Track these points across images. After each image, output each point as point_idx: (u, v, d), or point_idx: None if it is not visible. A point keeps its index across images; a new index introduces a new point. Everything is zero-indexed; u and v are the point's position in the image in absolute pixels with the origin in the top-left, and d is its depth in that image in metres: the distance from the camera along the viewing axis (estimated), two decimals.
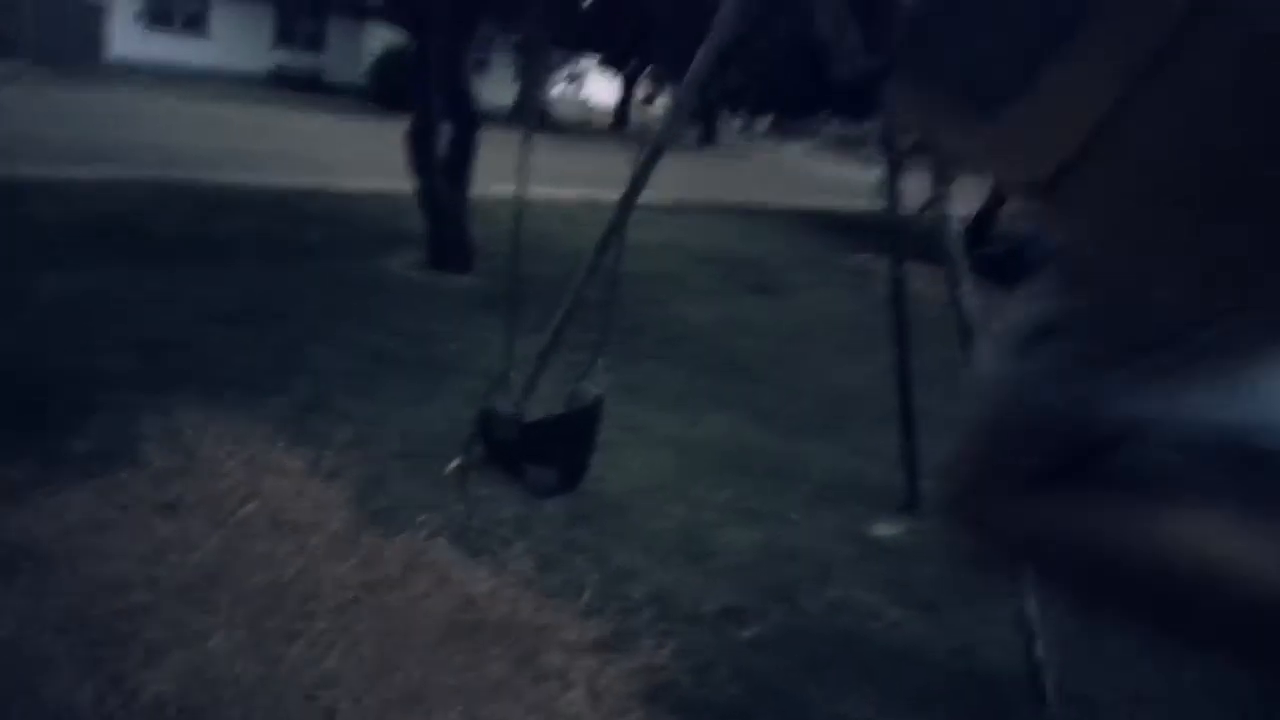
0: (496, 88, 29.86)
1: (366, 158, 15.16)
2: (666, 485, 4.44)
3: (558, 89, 38.08)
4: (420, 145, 8.27)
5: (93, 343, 5.07)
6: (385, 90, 26.32)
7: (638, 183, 4.38)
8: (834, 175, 30.16)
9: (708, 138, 35.38)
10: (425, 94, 8.37)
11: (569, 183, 13.98)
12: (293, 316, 6.20)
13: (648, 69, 35.78)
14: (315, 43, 30.31)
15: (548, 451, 3.28)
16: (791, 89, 23.18)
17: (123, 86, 21.83)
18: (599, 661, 3.00)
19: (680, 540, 3.91)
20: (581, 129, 32.20)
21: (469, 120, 8.43)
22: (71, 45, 25.88)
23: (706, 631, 3.28)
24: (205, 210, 9.23)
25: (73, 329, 5.22)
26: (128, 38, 26.72)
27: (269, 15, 29.17)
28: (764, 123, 46.55)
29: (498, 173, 11.89)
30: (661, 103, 42.18)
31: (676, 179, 13.71)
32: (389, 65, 26.77)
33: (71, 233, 7.49)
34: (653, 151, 4.17)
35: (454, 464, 4.20)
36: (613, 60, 35.85)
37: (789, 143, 45.69)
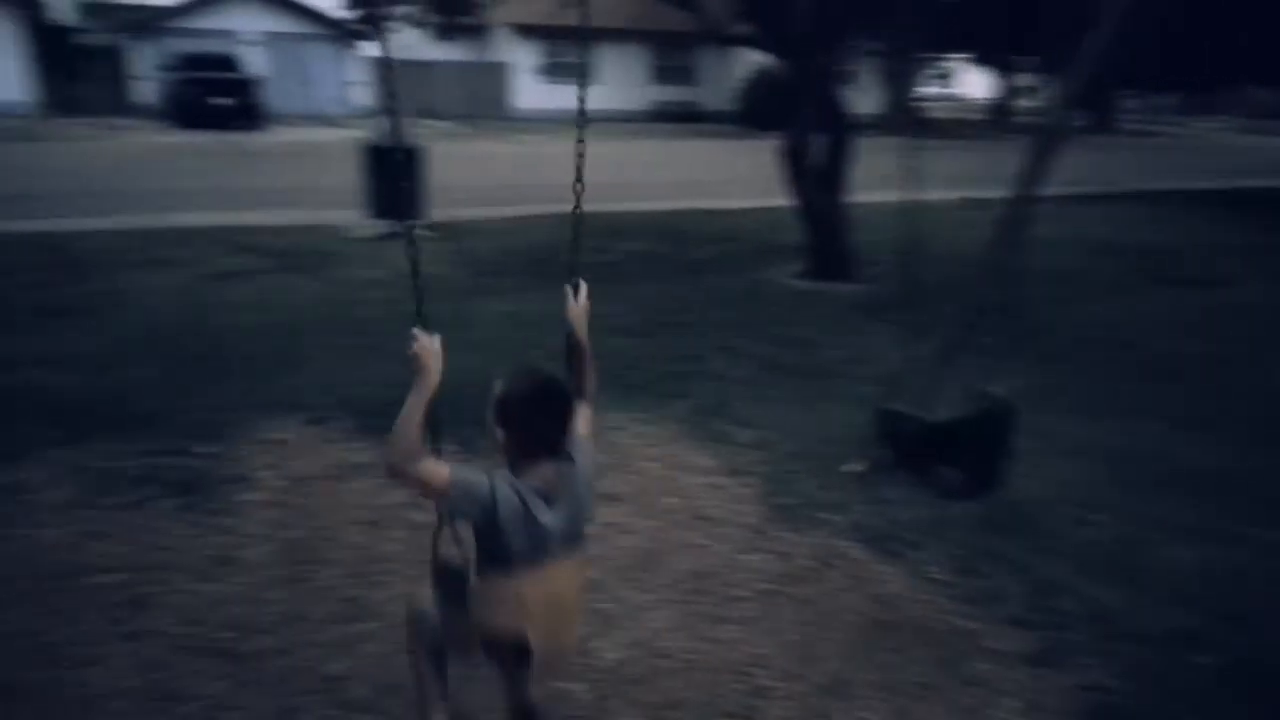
0: (865, 95, 29.60)
1: (742, 177, 15.75)
2: (1089, 496, 4.11)
3: (929, 89, 36.84)
4: (795, 159, 8.45)
5: (529, 356, 5.76)
6: (755, 113, 27.14)
7: (1033, 176, 4.14)
8: (1256, 151, 26.18)
9: (1104, 122, 32.30)
10: (797, 110, 8.55)
11: (949, 184, 13.49)
12: (687, 328, 6.60)
13: (1026, 59, 33.50)
14: (688, 76, 32.08)
15: (956, 453, 3.19)
16: (1199, 58, 20.49)
17: (526, 135, 24.60)
18: (1032, 675, 2.86)
19: (1112, 555, 3.61)
20: (957, 128, 30.93)
21: (842, 130, 8.47)
22: (482, 102, 29.67)
23: (1155, 654, 2.99)
24: (605, 236, 10.11)
25: (508, 346, 5.97)
26: (528, 91, 30.09)
27: (646, 56, 31.37)
28: (1168, 100, 41.58)
29: (872, 179, 11.79)
30: (1044, 93, 39.28)
31: (1073, 168, 12.69)
32: (757, 89, 27.58)
33: (501, 263, 8.58)
34: (1046, 142, 3.92)
35: (852, 464, 4.23)
36: (986, 55, 34.04)
37: (1198, 119, 40.41)
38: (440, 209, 10.14)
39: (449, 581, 2.18)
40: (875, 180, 12.08)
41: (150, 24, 26.55)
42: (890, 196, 12.18)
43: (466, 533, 2.06)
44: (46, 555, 3.26)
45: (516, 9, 29.25)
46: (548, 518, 1.98)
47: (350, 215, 9.94)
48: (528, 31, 29.17)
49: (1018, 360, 3.20)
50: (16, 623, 2.87)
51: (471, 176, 14.96)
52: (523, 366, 2.31)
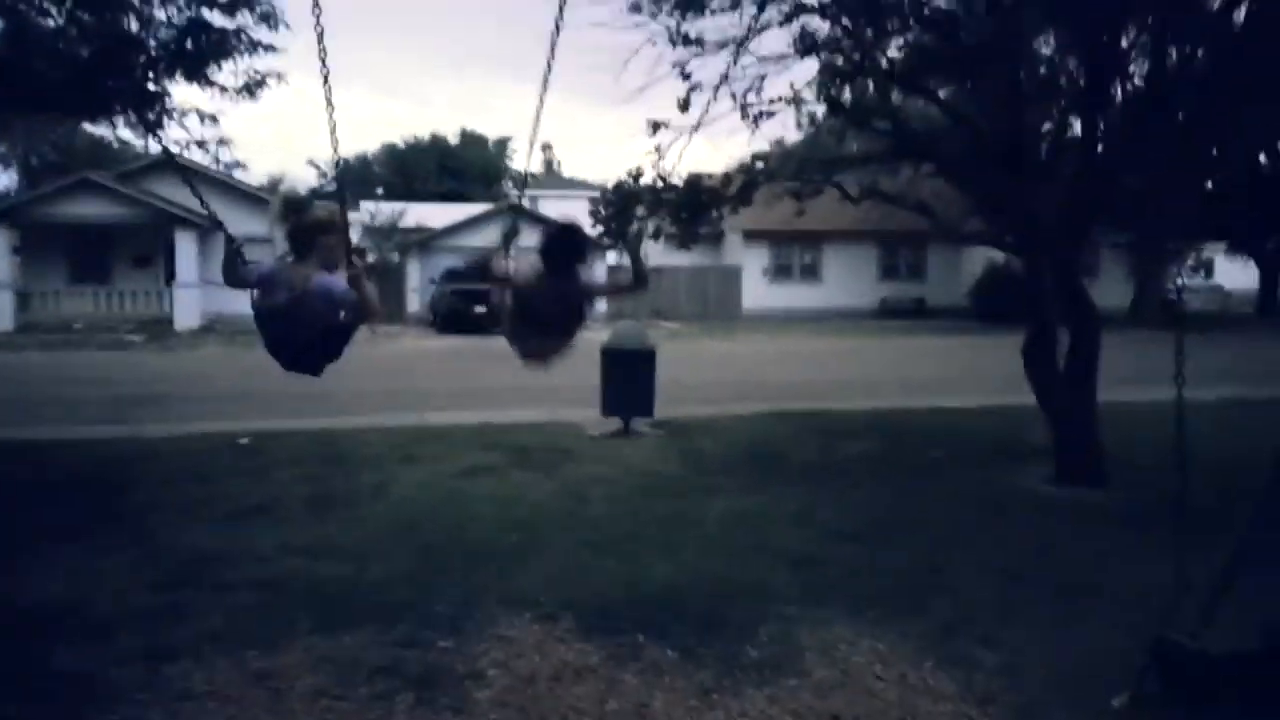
0: (1108, 288, 28.32)
1: (974, 374, 15.27)
2: None
3: (1183, 279, 34.77)
4: (1039, 356, 8.11)
5: (752, 558, 5.69)
6: (986, 308, 26.61)
7: None
8: None
9: None
10: (1039, 305, 8.28)
11: (1208, 381, 12.43)
12: (920, 534, 6.29)
13: None
14: (917, 272, 32.12)
15: (1243, 691, 2.78)
16: None
17: (754, 333, 25.25)
18: None
19: None
20: (1217, 320, 28.75)
21: (1089, 326, 8.08)
22: (712, 303, 30.90)
23: None
24: (831, 435, 10.01)
25: (736, 546, 5.92)
26: (756, 291, 31.12)
27: (874, 254, 31.81)
28: None
29: (1120, 377, 11.09)
30: None
31: None
32: (990, 284, 27.15)
33: (726, 461, 8.65)
34: None
35: (1120, 698, 3.77)
36: (1246, 242, 31.87)
37: None
38: (666, 406, 10.47)
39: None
40: (1125, 378, 11.40)
41: (426, 243, 30.07)
42: (1142, 396, 11.40)
43: None
44: None
45: (747, 216, 30.79)
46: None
47: (587, 413, 10.45)
48: (757, 236, 30.49)
49: None
50: None
51: (698, 375, 15.42)
52: None
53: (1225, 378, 13.33)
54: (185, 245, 25.41)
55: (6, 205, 26.22)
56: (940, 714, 3.71)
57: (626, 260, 4.79)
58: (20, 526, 6.22)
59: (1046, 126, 9.06)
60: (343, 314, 3.80)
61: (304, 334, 3.76)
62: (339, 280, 3.73)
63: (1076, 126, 8.62)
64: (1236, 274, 36.65)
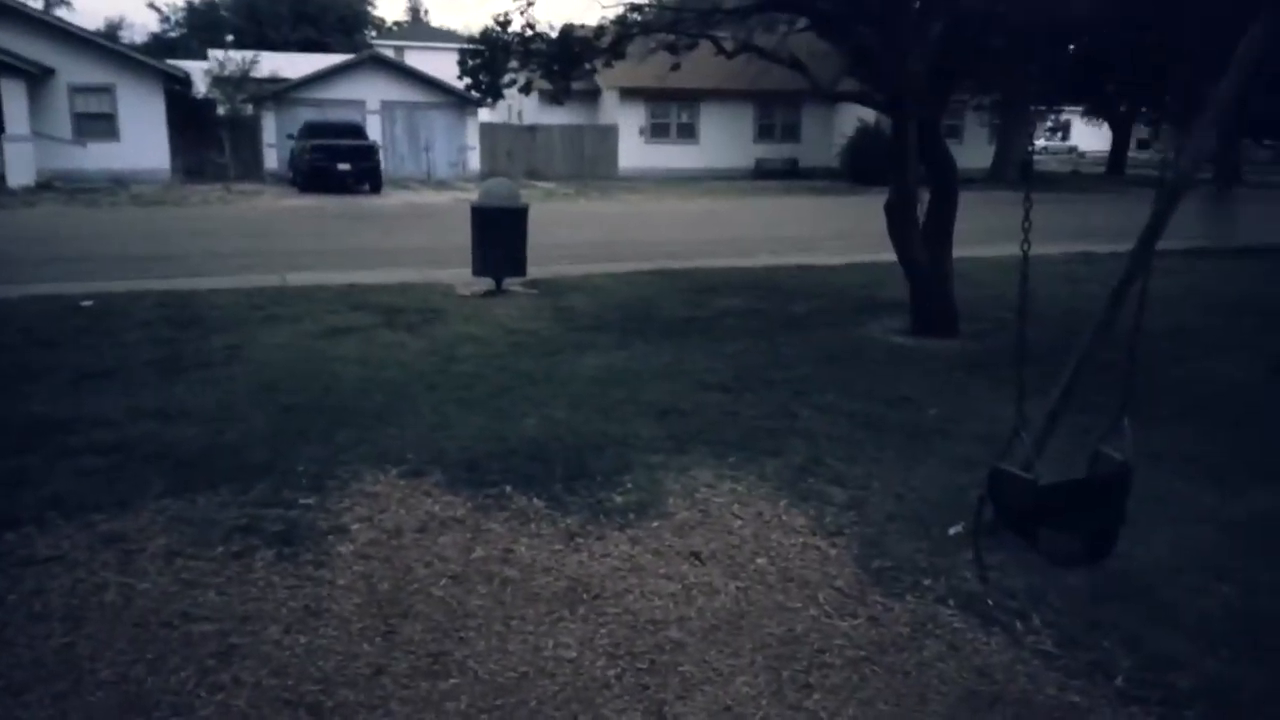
0: (971, 150, 29.13)
1: (843, 233, 15.63)
2: (1207, 565, 3.84)
3: (1040, 142, 36.00)
4: (900, 214, 8.32)
5: (620, 411, 5.77)
6: (857, 168, 27.05)
7: (1154, 229, 3.97)
8: None
9: (1229, 175, 30.87)
10: (903, 165, 8.43)
11: (1059, 238, 13.09)
12: (782, 384, 6.50)
13: (1143, 110, 32.43)
14: (791, 133, 32.22)
15: (1069, 519, 3.01)
16: None
17: (630, 194, 25.02)
18: None
19: (1233, 628, 3.34)
20: (1071, 181, 30.05)
21: (949, 183, 8.32)
22: (588, 163, 30.38)
23: None
24: (702, 292, 10.13)
25: (605, 399, 5.99)
26: (633, 151, 30.70)
27: (749, 114, 31.67)
28: None
29: (978, 234, 11.53)
30: (1161, 145, 37.85)
31: (1194, 222, 12.15)
32: (860, 145, 27.52)
33: (597, 318, 8.66)
34: (1169, 195, 3.76)
35: (957, 528, 4.06)
36: (1101, 106, 33.12)
37: None
38: (539, 266, 10.35)
39: None
40: (981, 235, 11.87)
41: (282, 95, 28.21)
42: (996, 252, 11.87)
43: None
44: (143, 604, 3.37)
45: (623, 73, 30.01)
46: None
47: (458, 274, 10.23)
48: (633, 95, 29.83)
49: (1131, 421, 3.02)
50: (111, 670, 2.97)
51: (572, 234, 15.25)
52: None
53: (1074, 234, 14.04)
54: (13, 94, 23.04)
55: None
56: (792, 546, 3.91)
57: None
58: None
59: None
60: None
61: None
62: None
63: None
64: (1091, 137, 38.18)
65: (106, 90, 25.21)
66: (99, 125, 25.16)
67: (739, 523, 4.14)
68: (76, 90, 24.89)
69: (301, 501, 4.24)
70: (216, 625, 3.21)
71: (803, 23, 10.36)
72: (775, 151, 31.81)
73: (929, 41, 8.20)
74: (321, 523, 4.04)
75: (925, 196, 8.37)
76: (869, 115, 25.36)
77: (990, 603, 3.45)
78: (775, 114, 31.79)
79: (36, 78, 23.73)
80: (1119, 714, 2.83)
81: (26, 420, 5.38)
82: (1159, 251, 3.90)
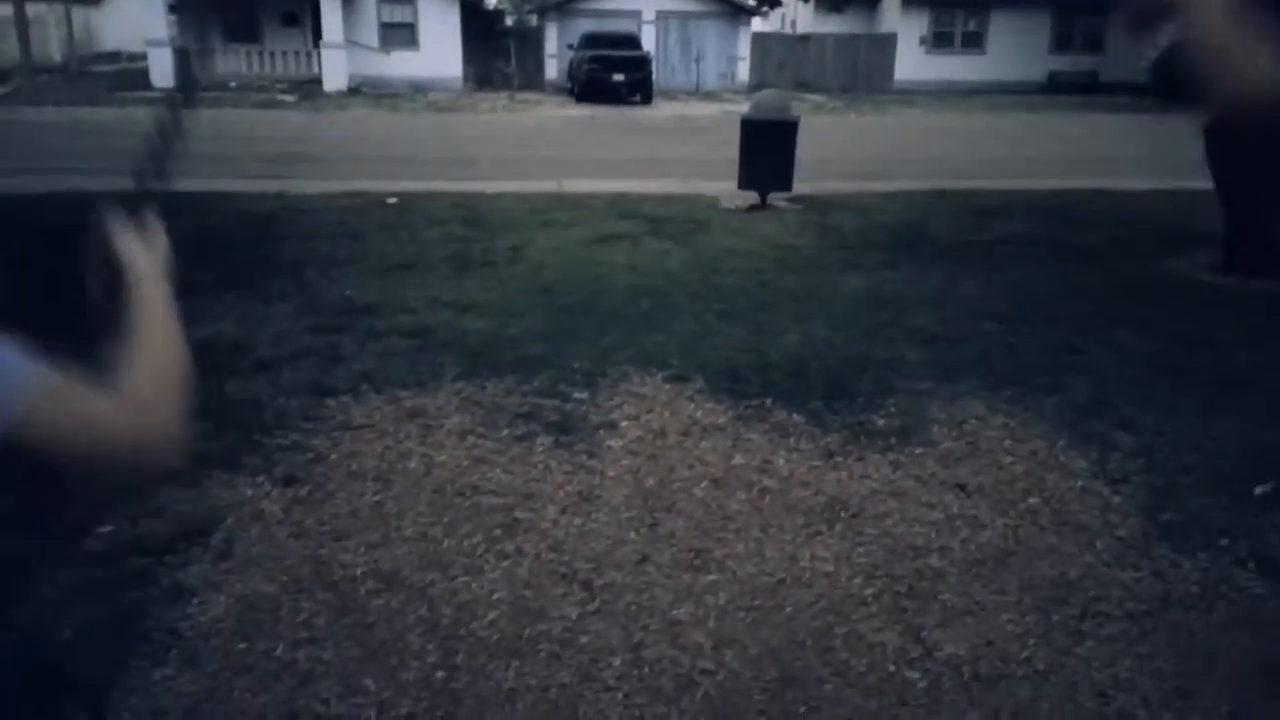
0: None
1: (1148, 155, 14.10)
2: None
3: None
4: (1220, 135, 7.36)
5: (885, 334, 5.62)
6: (1168, 85, 24.12)
7: None
8: None
9: None
10: (1224, 80, 7.42)
11: None
12: (1065, 318, 6.04)
13: None
14: (1093, 44, 29.16)
15: None
16: None
17: (908, 108, 23.82)
18: None
19: None
20: None
21: None
22: (863, 75, 29.14)
23: None
24: (979, 215, 9.55)
25: (869, 321, 5.85)
26: (911, 62, 29.06)
27: (1045, 24, 28.97)
28: None
29: None
30: None
31: None
32: (1173, 59, 24.43)
33: (864, 238, 8.42)
34: None
35: (1264, 487, 3.66)
36: None
37: None
38: (806, 182, 10.15)
39: None
40: None
41: (564, 6, 29.09)
42: None
43: None
44: (442, 474, 3.74)
45: None
46: None
47: (724, 187, 10.26)
48: (915, 2, 28.13)
49: None
50: (413, 529, 3.33)
51: (842, 150, 14.80)
52: None
53: None
54: (330, 5, 25.34)
55: None
56: (1070, 489, 3.69)
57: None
58: (188, 273, 6.70)
59: None
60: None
61: None
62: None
63: None
64: None
65: (410, 2, 27.06)
66: (401, 35, 27.16)
67: (1010, 459, 3.95)
68: (384, 1, 26.90)
69: (575, 396, 4.50)
70: (502, 500, 3.51)
71: None
72: (1073, 64, 28.98)
73: None
74: (593, 417, 4.28)
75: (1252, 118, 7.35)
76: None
77: None
78: (1076, 22, 28.84)
79: None
80: None
81: (341, 303, 6.03)
82: None
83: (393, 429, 4.15)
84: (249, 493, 3.55)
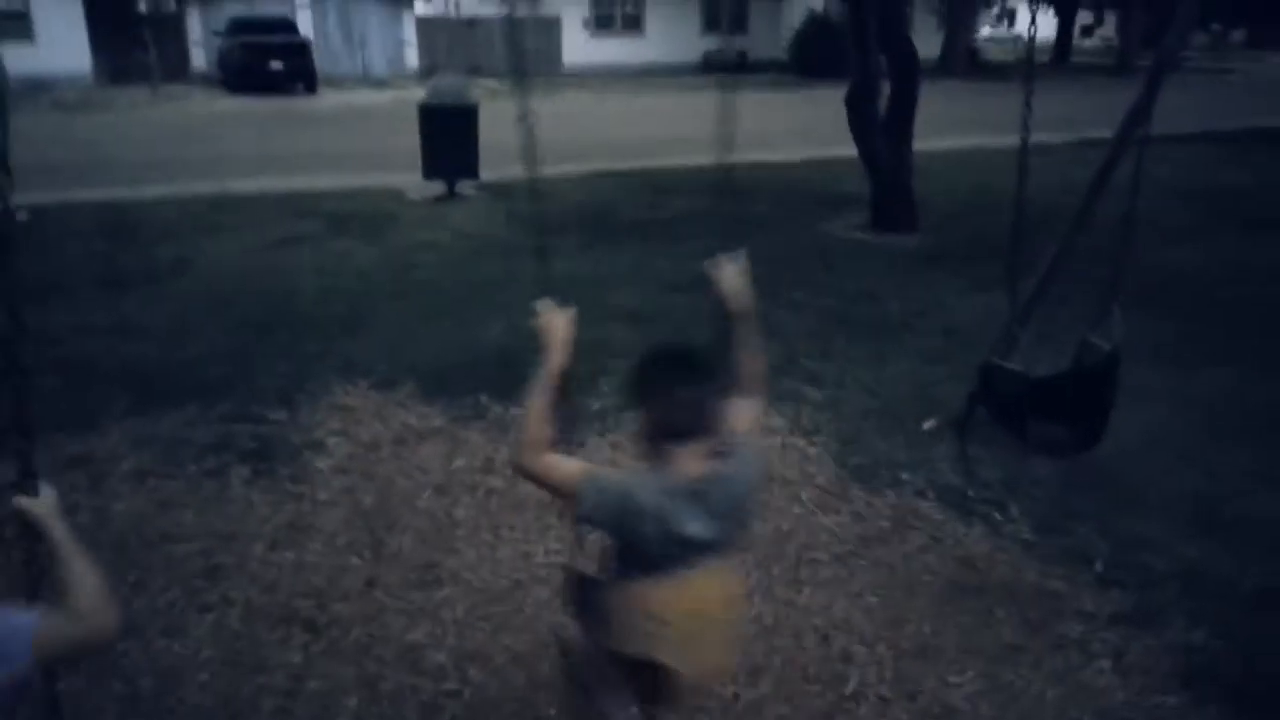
0: (919, 38, 28.77)
1: (795, 128, 15.44)
2: (1169, 448, 3.96)
3: (986, 29, 35.63)
4: (861, 105, 8.19)
5: (588, 315, 5.69)
6: (807, 61, 26.59)
7: (1138, 113, 3.94)
8: None
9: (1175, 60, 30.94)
10: (861, 54, 8.27)
11: (1010, 130, 13.06)
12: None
13: None
14: (739, 25, 31.41)
15: (1061, 409, 3.05)
16: None
17: (577, 91, 24.36)
18: (1122, 635, 2.76)
19: (1197, 509, 3.47)
20: (1018, 70, 29.92)
21: (911, 73, 8.17)
22: (531, 58, 29.42)
23: (1248, 612, 2.87)
24: (657, 193, 9.98)
25: (571, 304, 5.90)
26: (577, 47, 29.77)
27: (696, 6, 30.80)
28: (1236, 35, 39.83)
29: (929, 127, 11.46)
30: (1101, 33, 37.81)
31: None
32: (809, 36, 27.01)
33: (558, 222, 8.49)
34: (1153, 77, 3.72)
35: (930, 423, 4.12)
36: None
37: (1270, 54, 38.59)
38: (491, 169, 10.07)
39: (586, 599, 1.89)
40: (935, 127, 11.79)
41: None
42: (950, 144, 11.79)
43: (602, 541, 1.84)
44: (121, 525, 3.29)
45: None
46: (695, 527, 1.70)
47: (407, 178, 9.92)
48: None
49: (1095, 310, 3.05)
50: None
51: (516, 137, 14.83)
52: (665, 342, 2.01)
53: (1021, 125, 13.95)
54: None
55: None
56: (774, 447, 3.94)
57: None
58: None
59: None
60: None
61: None
62: None
63: None
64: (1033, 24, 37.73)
65: None
66: (12, 26, 23.62)
67: None
68: None
69: (271, 417, 4.15)
70: (198, 544, 3.15)
71: None
72: (723, 44, 31.06)
73: None
74: (295, 438, 3.96)
75: (883, 89, 8.26)
76: (819, 3, 24.86)
77: (970, 494, 3.53)
78: (721, 5, 30.92)
79: None
80: (1100, 598, 2.94)
81: None
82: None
83: (54, 481, 3.57)
84: None
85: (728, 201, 9.16)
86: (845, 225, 8.32)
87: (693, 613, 1.75)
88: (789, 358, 4.96)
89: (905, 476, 3.69)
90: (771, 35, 30.78)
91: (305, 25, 26.73)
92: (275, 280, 6.45)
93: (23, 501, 1.65)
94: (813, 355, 5.02)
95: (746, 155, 13.01)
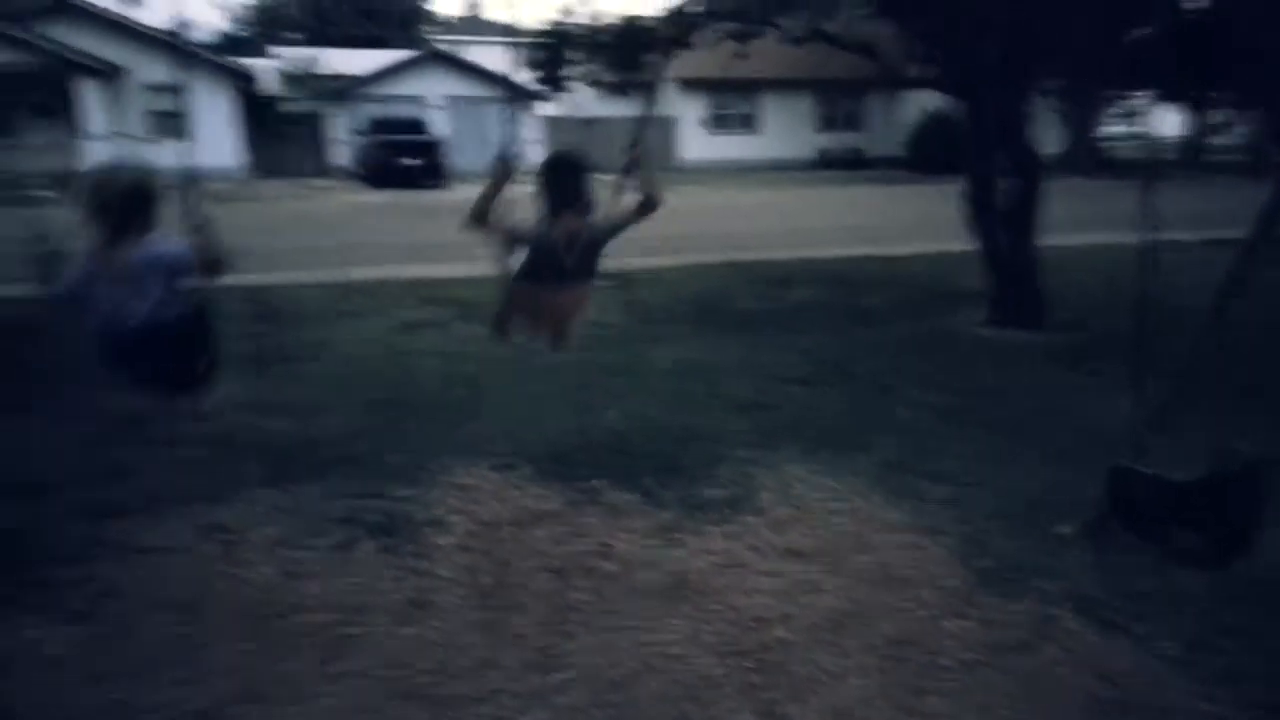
0: (1042, 135, 28.44)
1: (913, 222, 15.37)
2: None
3: (1114, 128, 35.01)
4: (979, 201, 8.13)
5: (702, 404, 5.73)
6: (925, 157, 26.62)
7: (1271, 216, 3.81)
8: None
9: None
10: (980, 151, 8.24)
11: (1136, 227, 12.67)
12: (863, 378, 6.39)
13: (1221, 95, 31.34)
14: (854, 122, 31.80)
15: (1201, 517, 2.89)
16: None
17: (692, 184, 24.91)
18: None
19: None
20: (1145, 168, 29.16)
21: (1031, 171, 8.09)
22: (651, 155, 30.28)
23: None
24: (772, 284, 10.03)
25: (685, 393, 5.95)
26: (694, 143, 30.58)
27: (812, 104, 31.34)
28: None
29: (1055, 223, 11.22)
30: (1238, 129, 36.61)
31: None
32: (926, 133, 27.08)
33: (670, 311, 8.62)
34: None
35: (1064, 527, 3.94)
36: (1177, 92, 32.06)
37: None
38: (609, 258, 10.31)
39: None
40: (1060, 224, 11.55)
41: (347, 92, 28.66)
42: (1077, 240, 11.51)
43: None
44: (253, 594, 3.42)
45: (684, 63, 29.90)
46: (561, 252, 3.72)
47: None
48: (694, 85, 29.69)
49: (1243, 416, 2.89)
50: (224, 660, 3.01)
51: (638, 228, 15.20)
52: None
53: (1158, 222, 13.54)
54: (90, 94, 23.78)
55: None
56: (893, 544, 3.83)
57: (630, 180, 4.30)
58: None
59: None
60: (178, 279, 3.24)
61: (134, 323, 3.04)
62: (164, 241, 3.13)
63: None
64: (1163, 124, 36.94)
65: (177, 89, 25.83)
66: (172, 123, 25.76)
67: (836, 519, 4.06)
68: (148, 89, 25.51)
69: (397, 494, 4.27)
70: (327, 616, 3.24)
71: (868, 6, 10.20)
72: (838, 141, 31.44)
73: (1000, 23, 7.98)
74: (419, 515, 4.06)
75: (1002, 184, 8.17)
76: (936, 102, 24.88)
77: (1109, 604, 3.33)
78: (838, 103, 31.40)
79: (111, 76, 24.42)
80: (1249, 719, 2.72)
81: (121, 413, 5.49)
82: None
83: (192, 548, 3.77)
84: (32, 635, 3.11)
85: (840, 294, 9.18)
86: (965, 321, 8.17)
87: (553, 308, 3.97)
88: (907, 453, 4.84)
89: (1037, 583, 3.51)
90: (887, 132, 31.02)
91: (439, 125, 28.33)
92: (403, 363, 6.72)
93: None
94: (933, 452, 4.89)
95: (861, 249, 13.11)
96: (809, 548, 3.79)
